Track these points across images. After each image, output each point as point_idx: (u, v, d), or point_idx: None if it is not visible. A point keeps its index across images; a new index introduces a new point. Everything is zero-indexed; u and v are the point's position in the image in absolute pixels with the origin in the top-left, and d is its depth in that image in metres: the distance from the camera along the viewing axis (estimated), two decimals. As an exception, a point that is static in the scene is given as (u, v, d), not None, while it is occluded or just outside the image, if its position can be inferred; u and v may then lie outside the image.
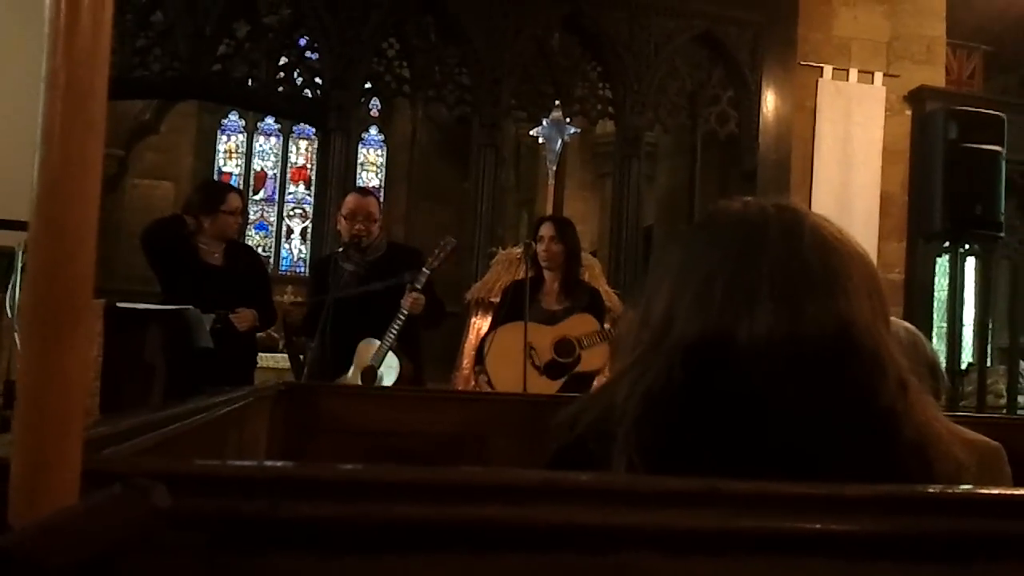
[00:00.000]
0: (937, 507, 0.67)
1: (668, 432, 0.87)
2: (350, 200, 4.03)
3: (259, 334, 4.24)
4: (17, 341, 2.97)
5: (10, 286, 3.14)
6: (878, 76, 6.98)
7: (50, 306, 0.51)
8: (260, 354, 4.74)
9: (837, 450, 0.84)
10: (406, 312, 3.73)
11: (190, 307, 3.48)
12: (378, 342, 3.78)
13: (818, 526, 0.64)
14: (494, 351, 3.89)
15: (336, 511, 0.59)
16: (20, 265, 3.11)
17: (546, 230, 4.02)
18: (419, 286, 3.74)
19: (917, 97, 7.01)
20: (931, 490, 0.69)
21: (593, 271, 5.29)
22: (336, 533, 0.60)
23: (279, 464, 0.60)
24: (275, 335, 7.92)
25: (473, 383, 5.00)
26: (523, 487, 0.63)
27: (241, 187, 11.29)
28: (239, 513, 0.58)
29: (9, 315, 3.13)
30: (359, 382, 3.77)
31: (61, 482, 0.50)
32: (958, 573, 0.65)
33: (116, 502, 0.47)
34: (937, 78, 7.20)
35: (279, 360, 8.01)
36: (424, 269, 3.76)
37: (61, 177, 0.51)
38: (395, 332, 3.76)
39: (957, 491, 0.69)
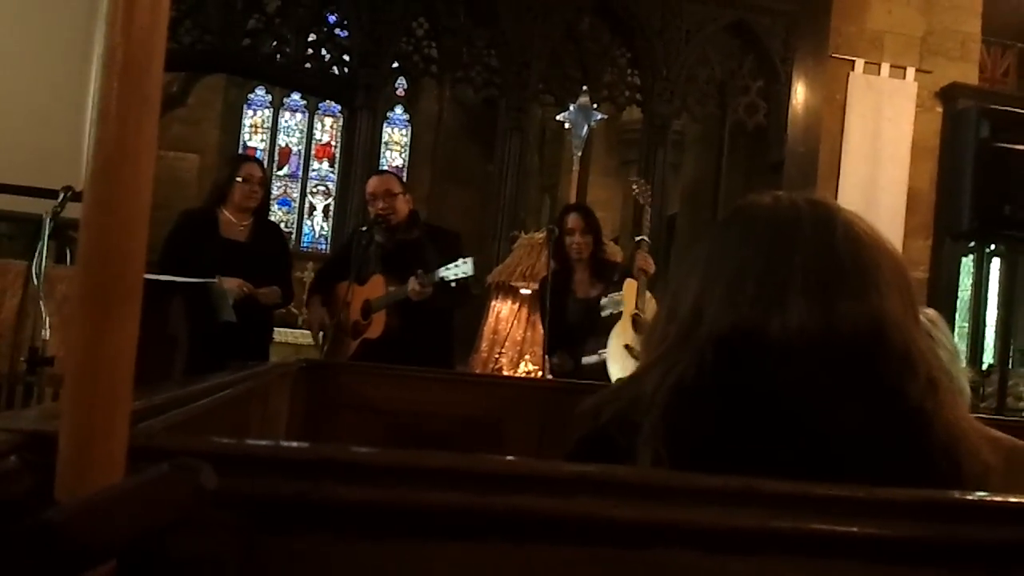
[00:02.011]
0: (976, 514, 0.67)
1: (696, 425, 0.86)
2: (369, 183, 4.04)
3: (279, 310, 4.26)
4: (43, 308, 3.00)
5: (36, 253, 3.15)
6: (910, 71, 6.90)
7: (101, 283, 0.51)
8: (279, 329, 4.76)
9: (866, 447, 0.83)
10: (407, 294, 3.72)
11: (215, 280, 3.49)
12: (388, 288, 3.83)
13: (855, 529, 0.63)
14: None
15: (375, 495, 0.59)
16: (47, 233, 3.11)
17: (575, 222, 3.93)
18: (424, 282, 3.67)
19: (949, 94, 6.92)
20: (970, 497, 0.69)
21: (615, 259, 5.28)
22: (374, 517, 0.60)
23: (320, 446, 0.61)
24: (294, 310, 7.96)
25: (492, 367, 5.02)
26: (562, 479, 0.63)
27: (265, 162, 11.32)
28: (278, 494, 0.58)
29: (35, 282, 3.14)
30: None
31: (108, 458, 0.51)
32: (996, 582, 0.65)
33: (164, 481, 0.47)
34: (970, 75, 7.11)
35: (298, 336, 8.06)
36: (437, 274, 3.66)
37: (116, 155, 0.51)
38: (391, 296, 3.79)
39: (996, 499, 0.68)
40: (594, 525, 0.61)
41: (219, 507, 0.55)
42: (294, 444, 0.62)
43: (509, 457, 0.65)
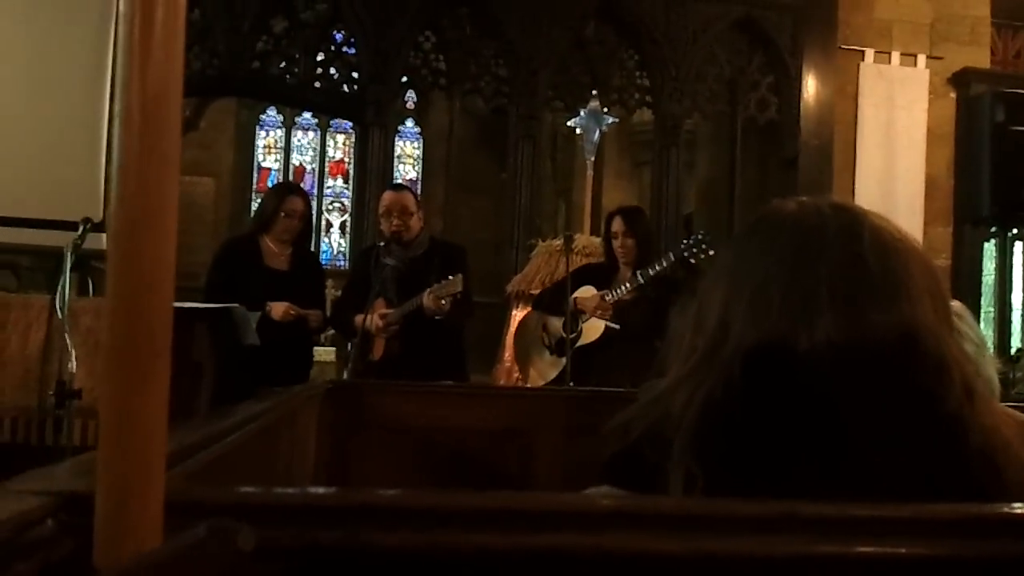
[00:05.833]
0: (1025, 529, 0.65)
1: (728, 441, 0.85)
2: (385, 197, 4.07)
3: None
4: (68, 341, 3.01)
5: (59, 287, 3.17)
6: (921, 59, 6.85)
7: (130, 342, 0.51)
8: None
9: (903, 459, 0.81)
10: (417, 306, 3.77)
11: (236, 305, 3.51)
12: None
13: (903, 550, 0.62)
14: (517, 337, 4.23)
15: (413, 540, 0.59)
16: (68, 265, 3.13)
17: (617, 225, 4.04)
18: (418, 304, 3.73)
19: (962, 79, 6.87)
20: (1020, 510, 0.67)
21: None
22: (413, 561, 0.59)
23: (357, 491, 0.60)
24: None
25: (516, 376, 5.01)
26: (597, 513, 0.63)
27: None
28: (317, 543, 0.58)
29: (59, 316, 3.16)
30: None
31: (145, 520, 0.50)
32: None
33: (201, 546, 0.46)
34: (982, 59, 7.05)
35: (320, 353, 8.08)
36: (426, 294, 3.72)
37: (138, 214, 0.51)
38: (403, 309, 3.80)
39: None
40: (632, 559, 0.61)
41: (257, 559, 0.55)
42: (329, 490, 0.61)
43: (544, 493, 0.65)
